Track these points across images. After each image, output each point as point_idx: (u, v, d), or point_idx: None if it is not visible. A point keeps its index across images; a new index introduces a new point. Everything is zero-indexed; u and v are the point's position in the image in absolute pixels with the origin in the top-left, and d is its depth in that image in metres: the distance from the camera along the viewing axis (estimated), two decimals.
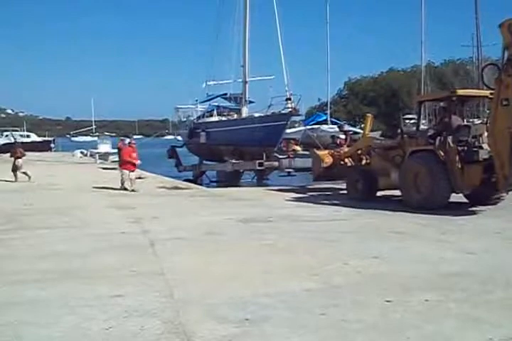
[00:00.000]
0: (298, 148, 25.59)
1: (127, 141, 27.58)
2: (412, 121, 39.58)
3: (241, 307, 5.25)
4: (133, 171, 17.56)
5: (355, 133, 33.53)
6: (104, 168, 27.12)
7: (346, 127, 32.89)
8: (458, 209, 12.14)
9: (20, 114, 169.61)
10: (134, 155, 17.93)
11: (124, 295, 5.68)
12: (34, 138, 58.66)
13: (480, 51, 46.20)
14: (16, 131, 60.78)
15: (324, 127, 39.66)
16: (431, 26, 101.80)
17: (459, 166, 12.14)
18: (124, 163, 17.63)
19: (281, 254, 7.80)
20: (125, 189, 16.99)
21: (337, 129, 32.63)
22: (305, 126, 38.18)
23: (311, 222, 10.98)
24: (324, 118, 45.01)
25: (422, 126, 15.73)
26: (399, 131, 15.11)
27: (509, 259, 7.51)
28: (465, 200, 13.20)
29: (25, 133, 61.76)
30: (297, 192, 16.93)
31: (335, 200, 14.57)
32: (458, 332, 4.64)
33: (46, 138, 60.59)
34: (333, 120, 45.45)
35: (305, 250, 8.11)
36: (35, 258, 7.55)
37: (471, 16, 44.54)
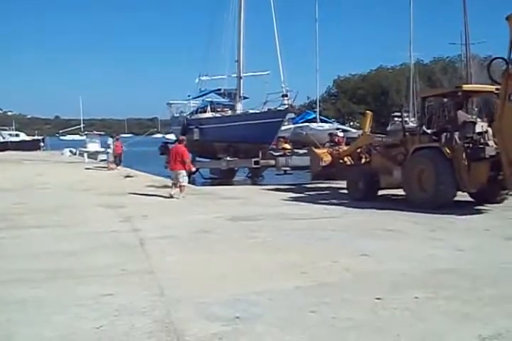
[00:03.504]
0: (288, 146, 25.54)
1: (110, 140, 27.48)
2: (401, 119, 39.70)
3: (231, 306, 5.26)
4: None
5: (345, 131, 33.55)
6: (91, 168, 27.02)
7: (336, 125, 32.85)
8: (453, 208, 11.83)
9: (9, 113, 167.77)
10: (187, 154, 16.07)
11: (114, 294, 5.67)
12: (23, 137, 58.55)
13: (468, 49, 46.35)
14: (5, 130, 60.55)
15: (313, 125, 39.73)
16: (420, 24, 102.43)
17: (466, 163, 11.76)
18: (176, 163, 15.46)
19: (271, 252, 7.82)
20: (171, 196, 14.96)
21: (326, 127, 32.59)
22: (294, 124, 38.13)
23: (301, 220, 10.98)
24: (313, 116, 45.10)
25: (411, 124, 15.63)
26: (388, 127, 15.03)
27: (498, 256, 7.57)
28: (469, 199, 12.92)
29: (15, 132, 61.63)
30: (292, 191, 16.90)
31: (329, 199, 14.56)
32: (447, 329, 4.67)
33: (36, 138, 60.39)
34: (322, 118, 45.55)
35: (295, 248, 8.13)
36: (25, 257, 7.54)
37: (460, 14, 44.66)
